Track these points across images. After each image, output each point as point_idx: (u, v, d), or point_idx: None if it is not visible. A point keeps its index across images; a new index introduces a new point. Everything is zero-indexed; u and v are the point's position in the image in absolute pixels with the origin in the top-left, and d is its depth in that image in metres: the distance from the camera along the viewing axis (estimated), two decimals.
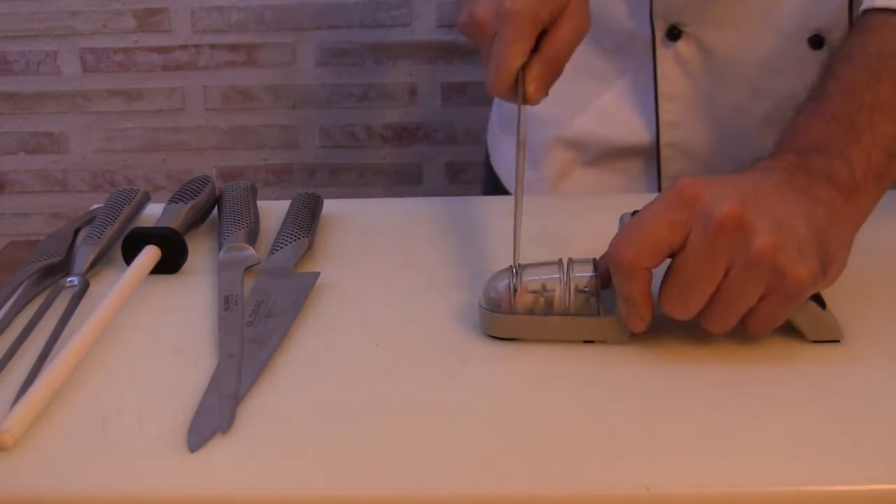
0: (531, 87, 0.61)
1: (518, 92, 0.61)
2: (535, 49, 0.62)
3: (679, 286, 0.49)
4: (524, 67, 0.61)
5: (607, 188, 0.86)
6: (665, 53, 0.79)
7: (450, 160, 1.61)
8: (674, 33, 0.79)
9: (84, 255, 0.64)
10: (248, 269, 0.63)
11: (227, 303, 0.58)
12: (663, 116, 0.81)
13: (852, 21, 0.73)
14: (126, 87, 1.58)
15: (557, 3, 0.61)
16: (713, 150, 0.82)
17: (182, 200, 0.70)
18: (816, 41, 0.76)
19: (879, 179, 0.54)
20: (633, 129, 0.84)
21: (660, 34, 0.79)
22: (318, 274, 0.62)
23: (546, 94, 0.63)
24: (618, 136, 0.85)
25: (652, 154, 0.83)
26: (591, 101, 0.85)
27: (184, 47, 1.55)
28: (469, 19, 0.63)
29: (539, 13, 0.60)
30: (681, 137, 0.82)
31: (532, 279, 0.54)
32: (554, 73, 0.62)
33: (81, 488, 0.44)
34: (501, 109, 0.95)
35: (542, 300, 0.53)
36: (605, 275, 0.53)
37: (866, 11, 0.61)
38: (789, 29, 0.77)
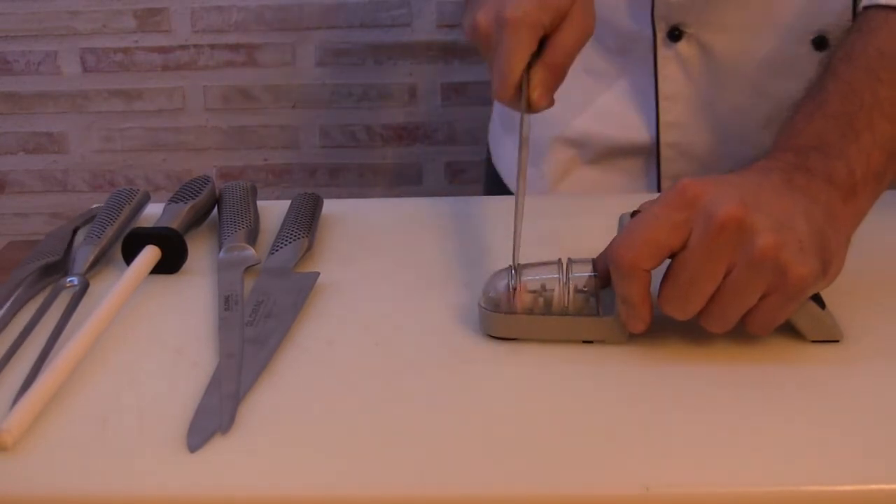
0: (535, 94, 0.61)
1: (522, 98, 0.61)
2: (538, 54, 0.61)
3: (679, 286, 0.49)
4: (528, 73, 0.61)
5: (608, 187, 0.86)
6: (666, 54, 0.79)
7: (450, 160, 1.61)
8: (675, 34, 0.79)
9: (84, 255, 0.64)
10: (248, 269, 0.63)
11: (227, 303, 0.58)
12: (664, 117, 0.81)
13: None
14: (126, 87, 1.58)
15: (559, 8, 0.61)
16: (714, 150, 0.82)
17: (182, 200, 0.70)
18: (820, 42, 0.76)
19: (878, 179, 0.54)
20: (635, 129, 0.84)
21: (661, 35, 0.79)
22: (318, 274, 0.62)
23: (551, 100, 0.62)
24: (619, 136, 0.84)
25: (653, 153, 0.83)
26: (593, 100, 0.84)
27: (184, 47, 1.55)
28: (471, 27, 0.63)
29: (539, 19, 0.60)
30: (681, 138, 0.81)
31: (531, 279, 0.54)
32: (557, 78, 0.62)
33: (81, 488, 0.44)
34: (503, 107, 0.95)
35: (541, 300, 0.53)
36: (604, 274, 0.53)
37: (867, 8, 0.61)
38: (792, 30, 0.76)
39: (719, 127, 0.81)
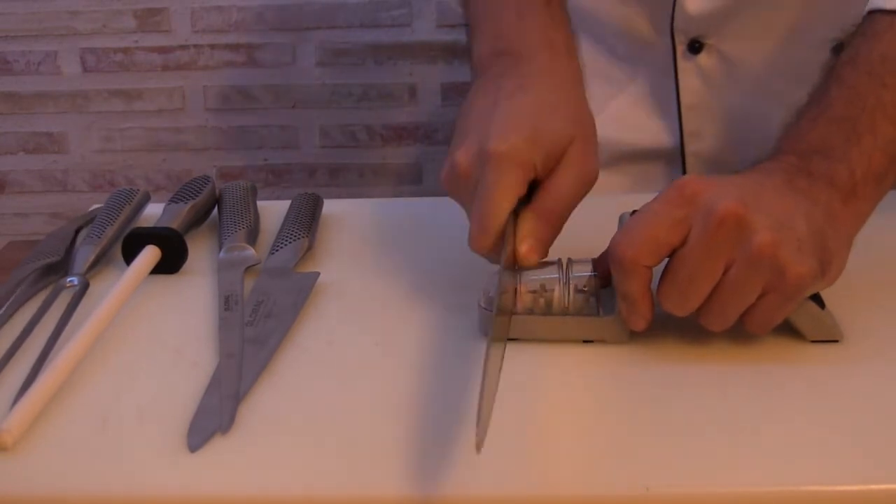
0: (524, 246, 0.53)
1: (503, 251, 0.52)
2: (527, 202, 0.54)
3: (678, 283, 0.49)
4: (516, 221, 0.53)
5: (618, 191, 0.86)
6: (686, 66, 0.79)
7: None
8: (695, 46, 0.78)
9: (84, 255, 0.64)
10: (248, 269, 0.63)
11: (227, 303, 0.58)
12: (686, 127, 0.81)
13: None
14: (126, 87, 1.58)
15: (554, 148, 0.54)
16: (736, 156, 0.81)
17: (182, 200, 0.70)
18: (840, 49, 0.75)
19: (879, 182, 0.54)
20: (647, 134, 0.84)
21: (681, 47, 0.79)
22: (318, 274, 0.62)
23: (543, 256, 0.54)
24: (631, 140, 0.84)
25: (665, 158, 0.83)
26: (605, 104, 0.84)
27: (184, 47, 1.55)
28: (449, 168, 0.54)
29: (529, 157, 0.52)
30: (704, 145, 0.82)
31: (531, 279, 0.54)
32: (551, 229, 0.54)
33: (81, 488, 0.44)
34: None
35: (541, 300, 0.53)
36: (604, 274, 0.53)
37: (871, 13, 0.60)
38: (812, 38, 0.76)
39: (741, 133, 0.81)
